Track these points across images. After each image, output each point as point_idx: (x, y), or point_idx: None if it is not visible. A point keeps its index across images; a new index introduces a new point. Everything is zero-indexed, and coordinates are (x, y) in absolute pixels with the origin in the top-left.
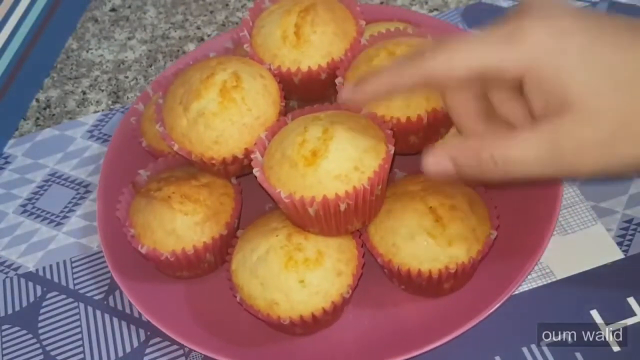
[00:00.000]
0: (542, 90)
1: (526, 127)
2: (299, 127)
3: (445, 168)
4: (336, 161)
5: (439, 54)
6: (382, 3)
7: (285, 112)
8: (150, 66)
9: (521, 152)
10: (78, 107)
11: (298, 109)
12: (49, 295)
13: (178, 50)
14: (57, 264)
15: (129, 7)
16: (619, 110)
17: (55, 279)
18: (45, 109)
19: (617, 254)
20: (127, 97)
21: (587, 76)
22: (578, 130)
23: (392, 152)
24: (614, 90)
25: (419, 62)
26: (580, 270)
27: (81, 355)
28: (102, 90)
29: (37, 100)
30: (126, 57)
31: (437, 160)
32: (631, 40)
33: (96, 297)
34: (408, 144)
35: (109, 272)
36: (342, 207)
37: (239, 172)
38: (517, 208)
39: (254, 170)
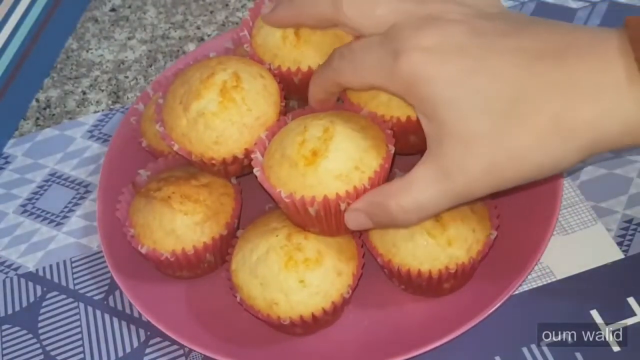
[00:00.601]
0: (423, 113)
1: (419, 163)
2: (298, 126)
3: (363, 224)
4: (336, 161)
5: (338, 70)
6: None
7: (285, 112)
8: (150, 66)
9: (423, 193)
10: (78, 107)
11: (298, 109)
12: (49, 295)
13: (178, 50)
14: (57, 264)
15: (129, 7)
16: (493, 136)
17: (55, 279)
18: (45, 109)
19: (617, 254)
20: (127, 97)
21: (459, 103)
22: (459, 157)
23: (393, 152)
24: (486, 114)
25: (328, 72)
26: (580, 270)
27: (81, 355)
28: (102, 90)
29: (37, 100)
30: (126, 57)
31: (353, 216)
32: (516, 65)
33: (96, 297)
34: (408, 144)
35: (109, 272)
36: (343, 206)
37: (239, 172)
38: (517, 208)
39: (254, 170)
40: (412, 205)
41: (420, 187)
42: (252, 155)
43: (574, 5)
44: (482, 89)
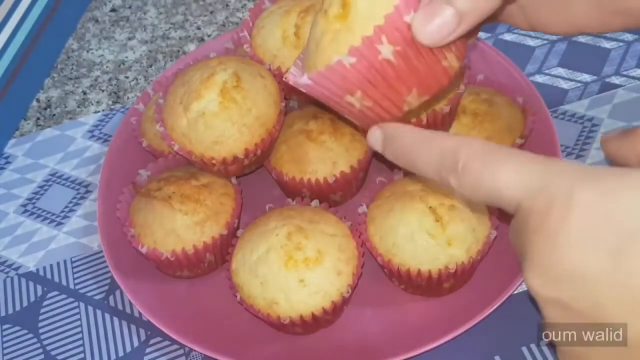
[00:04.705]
0: None
1: None
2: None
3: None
4: None
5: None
6: None
7: (285, 112)
8: (151, 66)
9: None
10: (78, 107)
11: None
12: (49, 295)
13: (178, 51)
14: (58, 263)
15: (129, 7)
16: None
17: (56, 279)
18: (45, 109)
19: None
20: (128, 97)
21: None
22: None
23: None
24: None
25: (443, 176)
26: None
27: (81, 355)
28: (103, 91)
29: (38, 100)
30: (126, 57)
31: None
32: None
33: (96, 297)
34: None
35: (109, 271)
36: (386, 51)
37: (239, 172)
38: None
39: (303, 80)
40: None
41: None
42: (290, 74)
43: (607, 45)
44: None
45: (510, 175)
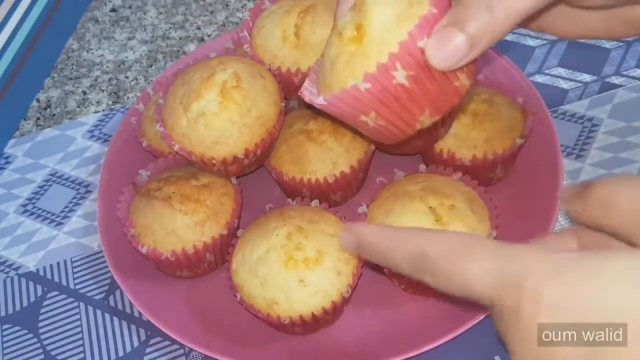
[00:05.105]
0: None
1: None
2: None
3: (461, 48)
4: (379, 20)
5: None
6: None
7: (285, 112)
8: (151, 66)
9: None
10: (78, 107)
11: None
12: (49, 295)
13: (178, 51)
14: (58, 263)
15: (129, 7)
16: None
17: (56, 279)
18: (45, 109)
19: None
20: (128, 97)
21: None
22: None
23: None
24: None
25: (419, 276)
26: None
27: (81, 355)
28: (103, 91)
29: (38, 101)
30: (126, 57)
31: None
32: None
33: (96, 297)
34: (409, 145)
35: (109, 272)
36: (400, 76)
37: (239, 172)
38: (517, 208)
39: (318, 101)
40: None
41: None
42: (305, 90)
43: (607, 45)
44: None
45: (478, 272)
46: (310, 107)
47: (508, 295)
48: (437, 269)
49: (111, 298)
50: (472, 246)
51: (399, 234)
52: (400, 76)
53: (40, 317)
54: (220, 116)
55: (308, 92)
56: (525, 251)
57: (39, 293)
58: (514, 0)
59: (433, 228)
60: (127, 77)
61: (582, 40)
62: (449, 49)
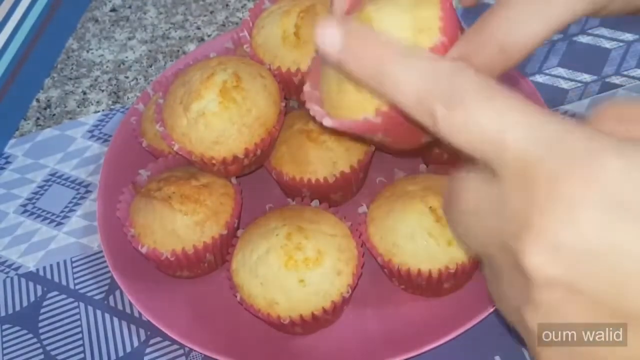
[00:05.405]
0: None
1: None
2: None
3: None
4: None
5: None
6: None
7: (285, 112)
8: (151, 66)
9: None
10: (78, 107)
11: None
12: (49, 295)
13: (178, 51)
14: (58, 263)
15: (129, 7)
16: None
17: (56, 279)
18: (45, 109)
19: None
20: (128, 97)
21: None
22: None
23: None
24: None
25: (425, 102)
26: None
27: (81, 355)
28: (103, 91)
29: (38, 100)
30: (126, 57)
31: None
32: None
33: (96, 297)
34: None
35: (109, 272)
36: None
37: (239, 172)
38: None
39: (324, 122)
40: (521, 17)
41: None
42: (311, 110)
43: (607, 45)
44: None
45: (521, 119)
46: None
47: (556, 152)
48: (465, 97)
49: (111, 298)
50: (512, 93)
51: (415, 48)
52: None
53: (40, 317)
54: (220, 116)
55: (317, 113)
56: (579, 123)
57: (39, 293)
58: (528, 41)
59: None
60: (127, 77)
61: (582, 40)
62: None
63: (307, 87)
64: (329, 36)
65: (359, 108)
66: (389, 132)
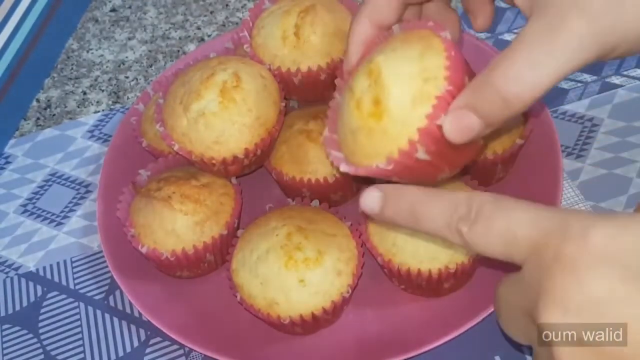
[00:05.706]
0: None
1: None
2: (345, 92)
3: (471, 126)
4: (401, 87)
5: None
6: None
7: (285, 112)
8: (151, 66)
9: (534, 51)
10: (78, 107)
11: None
12: (49, 295)
13: (178, 51)
14: (58, 263)
15: (129, 7)
16: None
17: (56, 279)
18: (45, 109)
19: None
20: (128, 97)
21: None
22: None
23: (449, 37)
24: None
25: (453, 226)
26: None
27: (81, 355)
28: (103, 91)
29: (38, 101)
30: (126, 57)
31: (458, 119)
32: None
33: (96, 297)
34: None
35: (109, 272)
36: (421, 154)
37: (239, 172)
38: None
39: (342, 168)
40: (522, 70)
41: (529, 47)
42: (330, 155)
43: None
44: None
45: (524, 216)
46: (310, 107)
47: (556, 233)
48: (480, 214)
49: (111, 298)
50: (516, 200)
51: (437, 190)
52: (421, 154)
53: (40, 317)
54: (220, 116)
55: (335, 159)
56: (571, 208)
57: (39, 293)
58: (530, 93)
59: None
60: (127, 77)
61: None
62: (464, 130)
63: (326, 132)
64: (371, 199)
65: (373, 156)
66: (402, 176)
